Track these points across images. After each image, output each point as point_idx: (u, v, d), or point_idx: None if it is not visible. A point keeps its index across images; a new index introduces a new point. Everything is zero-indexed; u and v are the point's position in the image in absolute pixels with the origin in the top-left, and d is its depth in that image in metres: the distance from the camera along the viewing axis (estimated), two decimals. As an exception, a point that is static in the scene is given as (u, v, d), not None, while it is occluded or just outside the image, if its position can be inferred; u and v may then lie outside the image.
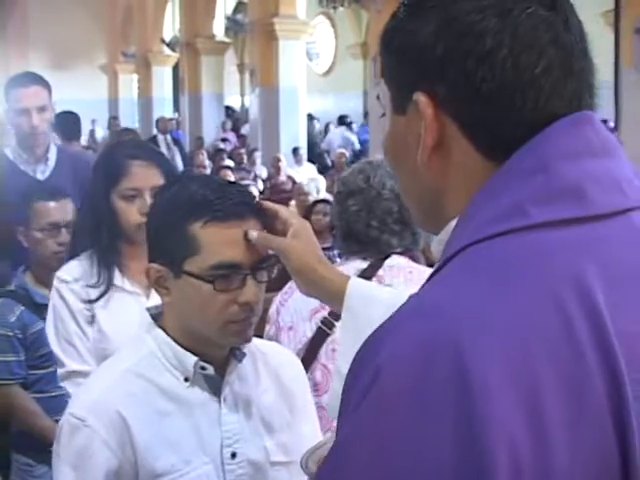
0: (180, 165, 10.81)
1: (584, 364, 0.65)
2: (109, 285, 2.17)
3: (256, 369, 1.51)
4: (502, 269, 0.70)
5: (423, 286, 0.76)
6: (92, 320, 2.16)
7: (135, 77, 19.37)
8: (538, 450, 0.62)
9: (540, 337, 0.65)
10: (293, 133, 12.00)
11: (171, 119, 14.30)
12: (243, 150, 10.86)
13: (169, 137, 11.76)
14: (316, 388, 2.03)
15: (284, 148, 11.39)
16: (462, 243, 0.74)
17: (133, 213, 2.13)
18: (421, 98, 0.78)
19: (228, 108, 16.94)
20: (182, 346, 1.42)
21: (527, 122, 0.76)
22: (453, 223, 0.79)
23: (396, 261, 2.11)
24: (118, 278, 2.19)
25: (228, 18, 16.30)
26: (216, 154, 11.05)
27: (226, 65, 16.38)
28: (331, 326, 2.07)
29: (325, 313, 2.08)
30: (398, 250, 2.12)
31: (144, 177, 2.14)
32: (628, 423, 0.65)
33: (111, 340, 2.12)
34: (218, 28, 15.73)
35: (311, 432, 1.56)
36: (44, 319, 2.54)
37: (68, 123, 5.57)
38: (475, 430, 0.62)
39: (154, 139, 11.71)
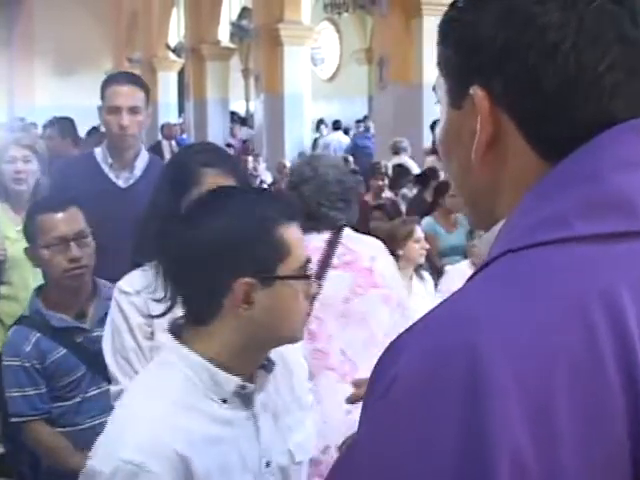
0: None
1: (605, 384, 0.63)
2: (175, 301, 1.91)
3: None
4: (535, 282, 0.67)
5: (464, 285, 0.73)
6: (152, 337, 1.97)
7: (140, 83, 19.41)
8: (545, 470, 0.61)
9: (563, 356, 0.63)
10: (298, 138, 12.02)
11: (175, 124, 14.30)
12: (250, 157, 10.87)
13: (174, 143, 11.77)
14: (312, 336, 2.45)
15: (289, 153, 11.40)
16: (502, 249, 0.71)
17: None
18: (478, 92, 0.75)
19: (233, 113, 16.96)
20: (222, 366, 1.37)
21: (586, 123, 0.72)
22: (500, 224, 0.77)
23: (348, 232, 2.66)
24: None
25: (233, 24, 16.33)
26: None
27: (231, 71, 16.41)
28: (319, 287, 2.46)
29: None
30: (344, 223, 2.66)
31: (217, 186, 1.95)
32: None
33: None
34: (223, 34, 15.77)
35: (311, 426, 1.60)
36: (64, 345, 2.42)
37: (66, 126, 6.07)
38: (482, 446, 0.60)
39: (158, 145, 11.74)
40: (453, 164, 0.83)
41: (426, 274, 4.43)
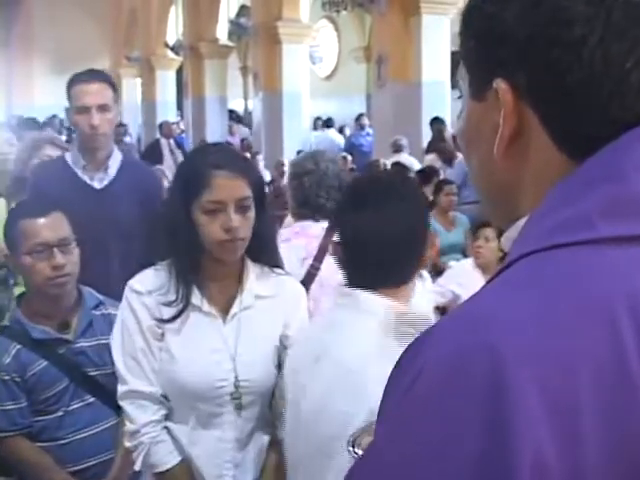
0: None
1: (631, 389, 0.61)
2: (187, 303, 1.95)
3: None
4: (559, 284, 0.66)
5: (484, 286, 0.72)
6: (161, 338, 1.95)
7: (139, 81, 19.40)
8: (567, 470, 0.60)
9: (587, 358, 0.62)
10: (296, 136, 12.01)
11: (174, 123, 14.29)
12: (248, 156, 10.87)
13: (172, 141, 11.76)
14: (309, 315, 2.64)
15: (287, 152, 11.39)
16: (525, 249, 0.70)
17: (215, 229, 1.90)
18: (501, 85, 0.73)
19: (232, 112, 16.95)
20: None
21: (612, 120, 0.70)
22: (522, 221, 0.75)
23: None
24: (196, 296, 1.97)
25: (231, 22, 16.31)
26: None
27: (229, 69, 16.40)
28: (317, 269, 2.82)
29: (311, 261, 2.84)
30: None
31: (229, 189, 1.90)
32: None
33: (180, 363, 1.93)
34: (221, 32, 15.75)
35: None
36: (45, 357, 2.32)
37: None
38: (503, 448, 0.60)
39: (157, 143, 11.72)
40: (473, 157, 0.82)
41: (425, 272, 4.42)
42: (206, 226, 1.90)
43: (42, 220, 2.35)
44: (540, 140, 0.73)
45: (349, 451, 1.29)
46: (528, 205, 0.75)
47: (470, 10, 0.79)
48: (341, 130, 14.15)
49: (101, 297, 2.49)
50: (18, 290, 3.26)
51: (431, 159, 8.31)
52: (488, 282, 0.72)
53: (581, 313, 0.63)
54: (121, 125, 14.36)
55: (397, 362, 0.70)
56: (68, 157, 3.17)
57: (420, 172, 7.10)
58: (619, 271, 0.66)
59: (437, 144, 8.59)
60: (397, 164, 7.62)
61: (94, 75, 3.15)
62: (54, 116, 16.05)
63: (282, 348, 1.96)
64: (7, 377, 2.28)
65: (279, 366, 1.95)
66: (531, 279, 0.67)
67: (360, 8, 13.66)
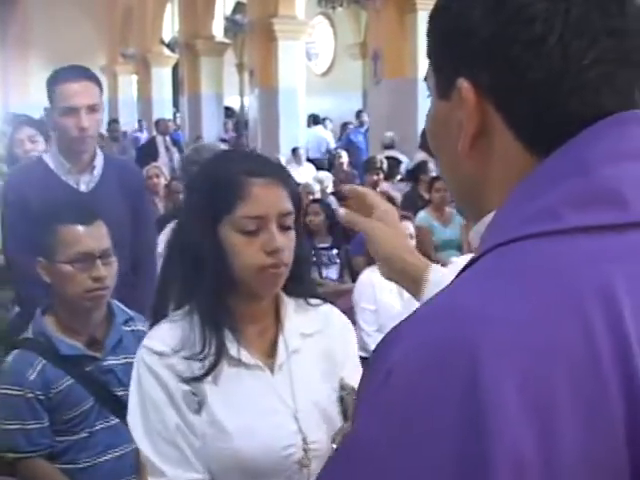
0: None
1: (601, 377, 0.62)
2: (220, 356, 1.50)
3: None
4: (527, 275, 0.66)
5: (453, 280, 0.72)
6: (199, 407, 1.49)
7: (134, 78, 19.37)
8: (545, 461, 0.60)
9: (558, 347, 0.62)
10: (292, 133, 12.01)
11: (169, 120, 14.27)
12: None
13: (168, 138, 11.75)
14: None
15: (283, 148, 11.39)
16: (493, 242, 0.71)
17: (254, 252, 1.47)
18: (464, 85, 0.74)
19: (227, 109, 16.93)
20: None
21: (574, 116, 0.71)
22: (490, 217, 0.76)
23: None
24: (232, 346, 1.52)
25: (227, 19, 16.30)
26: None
27: (225, 66, 16.38)
28: None
29: None
30: None
31: (270, 201, 1.49)
32: None
33: (232, 435, 1.47)
34: (217, 29, 15.74)
35: None
36: (72, 374, 2.14)
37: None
38: (481, 444, 0.59)
39: (153, 140, 11.72)
40: (441, 155, 0.83)
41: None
42: (242, 249, 1.48)
43: (86, 228, 2.19)
44: (504, 137, 0.74)
45: (332, 449, 1.27)
46: (495, 201, 0.75)
47: (436, 10, 0.80)
48: (344, 126, 14.15)
49: (131, 312, 2.33)
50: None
51: (422, 156, 8.34)
52: (460, 273, 0.73)
53: (552, 305, 0.64)
54: (115, 121, 14.28)
55: (372, 354, 0.70)
56: (48, 160, 2.93)
57: (410, 172, 7.15)
58: (589, 260, 0.66)
59: (426, 141, 8.62)
60: (391, 158, 7.64)
61: (80, 72, 2.88)
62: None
63: (344, 393, 1.58)
64: (31, 394, 2.11)
65: (344, 415, 1.55)
66: (501, 271, 0.68)
67: (356, 5, 13.66)
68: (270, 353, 1.58)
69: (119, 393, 2.18)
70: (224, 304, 1.52)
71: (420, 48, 9.01)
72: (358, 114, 13.56)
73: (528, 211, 0.70)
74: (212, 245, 1.48)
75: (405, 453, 0.62)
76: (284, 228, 1.50)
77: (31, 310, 2.62)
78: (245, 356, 1.53)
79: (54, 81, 2.83)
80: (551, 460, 0.60)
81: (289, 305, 1.61)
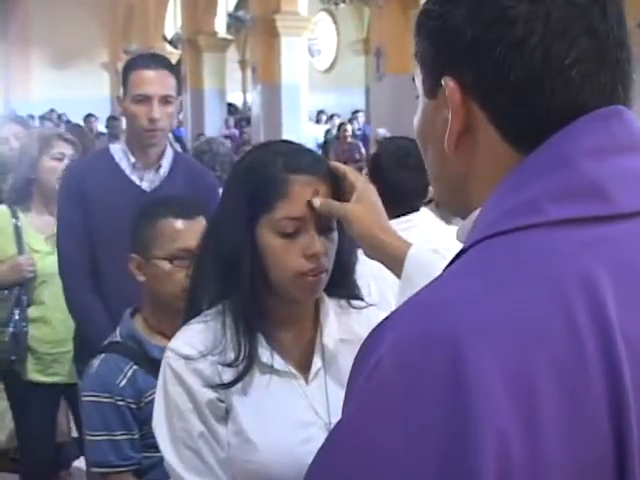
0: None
1: (585, 367, 0.63)
2: (252, 362, 1.41)
3: None
4: (511, 266, 0.68)
5: (439, 275, 0.74)
6: (226, 416, 1.40)
7: (137, 74, 19.37)
8: (530, 451, 0.61)
9: (541, 337, 0.64)
10: (295, 129, 12.00)
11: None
12: (247, 148, 10.90)
13: (170, 134, 11.74)
14: None
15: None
16: (478, 236, 0.73)
17: (294, 257, 1.38)
18: (449, 84, 0.76)
19: (230, 105, 16.94)
20: None
21: (556, 113, 0.73)
22: (476, 213, 0.78)
23: None
24: (264, 352, 1.42)
25: (230, 15, 16.30)
26: (218, 151, 11.06)
27: (228, 62, 16.39)
28: None
29: None
30: None
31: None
32: (627, 428, 0.63)
33: (258, 448, 1.37)
34: (220, 25, 15.73)
35: None
36: None
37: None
38: (465, 428, 0.60)
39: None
40: (428, 152, 0.85)
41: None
42: (280, 253, 1.38)
43: (187, 223, 2.00)
44: (488, 135, 0.76)
45: None
46: (482, 198, 0.77)
47: (423, 11, 0.82)
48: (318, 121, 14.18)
49: None
50: (34, 312, 3.02)
51: None
52: (447, 267, 0.75)
53: (535, 296, 0.65)
54: (114, 118, 13.92)
55: (360, 347, 0.72)
56: (115, 151, 2.72)
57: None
58: (570, 252, 0.68)
59: None
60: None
61: (158, 60, 2.70)
62: (52, 110, 16.04)
63: None
64: (122, 402, 1.89)
65: None
66: (486, 264, 0.70)
67: (358, 1, 13.65)
68: (305, 359, 1.47)
69: None
70: (259, 307, 1.41)
71: (423, 44, 9.01)
72: (354, 113, 13.58)
73: (511, 205, 0.72)
74: (249, 245, 1.38)
75: (391, 441, 0.64)
76: (325, 230, 1.39)
77: (82, 317, 2.59)
78: (278, 362, 1.42)
79: (130, 67, 2.67)
80: (536, 445, 0.61)
81: (330, 307, 1.50)
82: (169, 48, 17.59)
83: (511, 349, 0.63)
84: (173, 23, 17.95)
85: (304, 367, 1.45)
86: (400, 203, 2.54)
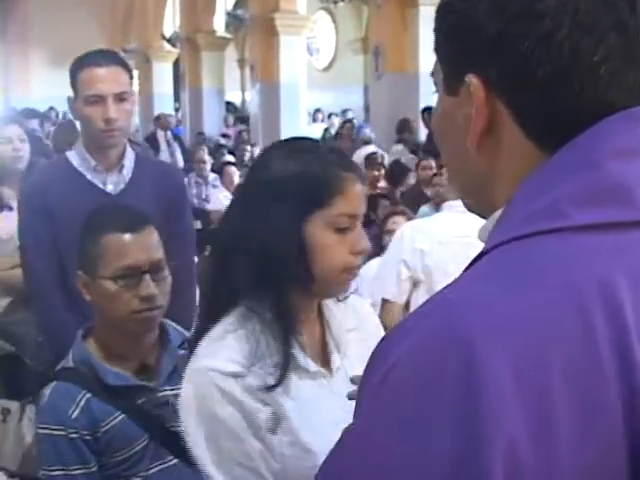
0: (181, 161, 10.80)
1: (600, 369, 0.62)
2: (288, 364, 1.35)
3: None
4: (528, 271, 0.67)
5: (458, 277, 0.73)
6: (276, 426, 1.33)
7: (135, 73, 19.33)
8: (541, 454, 0.60)
9: (557, 342, 0.62)
10: (293, 128, 12.00)
11: (170, 115, 14.26)
12: (248, 147, 10.89)
13: (169, 133, 11.74)
14: None
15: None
16: (499, 239, 0.71)
17: (344, 252, 1.37)
18: (473, 80, 0.74)
19: (229, 104, 16.93)
20: None
21: (583, 111, 0.71)
22: (499, 213, 0.76)
23: None
24: (299, 354, 1.38)
25: (228, 13, 16.28)
26: (217, 150, 11.06)
27: (227, 60, 16.37)
28: None
29: None
30: None
31: (361, 198, 1.41)
32: None
33: (318, 456, 1.26)
34: (218, 23, 15.71)
35: None
36: (122, 409, 1.81)
37: None
38: (476, 431, 0.60)
39: (154, 135, 11.71)
40: (449, 151, 0.83)
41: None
42: (332, 248, 1.36)
43: (134, 236, 1.83)
44: (512, 132, 0.74)
45: None
46: (504, 197, 0.75)
47: (443, 6, 0.79)
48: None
49: (187, 333, 1.97)
50: None
51: (399, 149, 8.44)
52: (465, 270, 0.73)
53: (551, 299, 0.64)
54: (51, 109, 13.55)
55: (374, 351, 0.71)
56: (72, 157, 2.59)
57: (390, 174, 6.93)
58: (591, 258, 0.66)
59: (402, 135, 8.89)
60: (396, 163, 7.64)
61: (108, 57, 2.56)
62: (51, 108, 16.02)
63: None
64: (75, 435, 1.77)
65: None
66: (505, 268, 0.68)
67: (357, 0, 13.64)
68: (322, 356, 1.45)
69: (177, 429, 1.74)
70: (293, 306, 1.37)
71: (421, 43, 9.00)
72: (343, 112, 13.59)
73: (534, 207, 0.70)
74: (297, 242, 1.34)
75: (402, 444, 0.63)
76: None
77: (59, 337, 2.37)
78: (309, 363, 1.39)
79: (78, 66, 2.51)
80: (548, 452, 0.60)
81: (328, 301, 1.49)
82: (168, 47, 17.57)
83: (524, 349, 0.62)
84: (172, 22, 17.92)
85: (324, 364, 1.44)
86: None
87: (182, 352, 1.88)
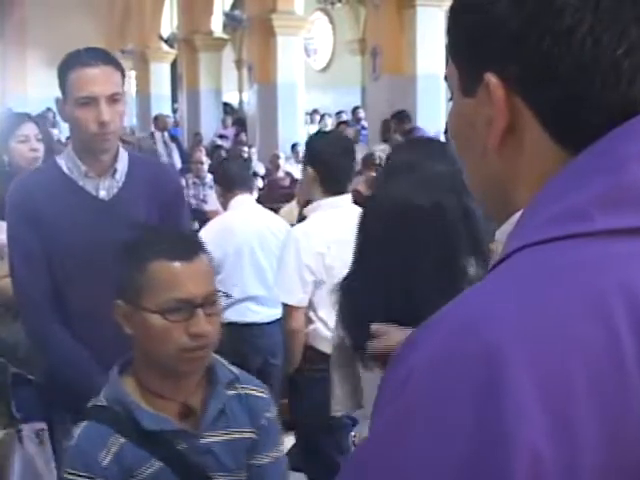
0: (178, 162, 10.81)
1: (624, 379, 0.61)
2: None
3: None
4: (550, 277, 0.65)
5: (481, 282, 0.71)
6: None
7: (133, 74, 19.34)
8: (562, 461, 0.59)
9: (581, 352, 0.61)
10: (291, 129, 11.99)
11: (168, 116, 14.26)
12: (245, 148, 10.89)
13: (166, 134, 11.74)
14: None
15: (282, 144, 11.38)
16: (520, 243, 0.69)
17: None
18: (492, 80, 0.72)
19: (226, 104, 16.91)
20: None
21: (606, 108, 0.69)
22: (517, 215, 0.74)
23: None
24: None
25: (226, 14, 16.25)
26: (214, 151, 11.06)
27: (224, 61, 16.35)
28: None
29: None
30: None
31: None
32: None
33: None
34: (216, 24, 15.71)
35: None
36: (160, 456, 1.63)
37: None
38: (498, 433, 0.59)
39: (151, 136, 11.71)
40: (467, 154, 0.81)
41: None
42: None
43: (186, 266, 1.63)
44: (534, 132, 0.72)
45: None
46: (524, 198, 0.74)
47: (459, 3, 0.78)
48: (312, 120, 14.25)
49: (236, 371, 1.77)
50: None
51: (383, 149, 8.51)
52: (486, 274, 0.72)
53: (576, 308, 0.63)
54: (48, 109, 13.44)
55: (392, 359, 0.69)
56: (61, 162, 2.42)
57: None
58: (615, 264, 0.65)
59: (385, 135, 8.95)
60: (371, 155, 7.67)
61: (99, 56, 2.36)
62: (48, 109, 15.99)
63: None
64: None
65: None
66: (526, 274, 0.67)
67: (355, 0, 13.64)
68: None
69: None
70: None
71: (419, 44, 9.02)
72: (354, 110, 13.54)
73: (556, 211, 0.68)
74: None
75: (421, 454, 0.62)
76: None
77: (47, 347, 2.32)
78: None
79: (67, 66, 2.34)
80: (569, 457, 0.59)
81: None
82: (165, 47, 17.56)
83: (547, 356, 0.61)
84: (169, 22, 17.92)
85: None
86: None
87: (231, 393, 1.74)
